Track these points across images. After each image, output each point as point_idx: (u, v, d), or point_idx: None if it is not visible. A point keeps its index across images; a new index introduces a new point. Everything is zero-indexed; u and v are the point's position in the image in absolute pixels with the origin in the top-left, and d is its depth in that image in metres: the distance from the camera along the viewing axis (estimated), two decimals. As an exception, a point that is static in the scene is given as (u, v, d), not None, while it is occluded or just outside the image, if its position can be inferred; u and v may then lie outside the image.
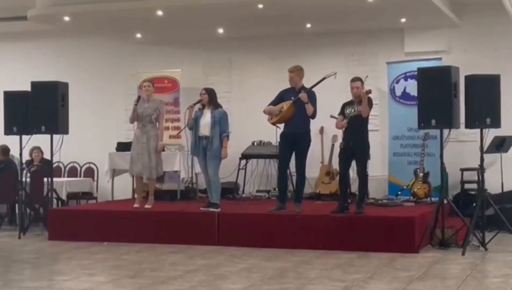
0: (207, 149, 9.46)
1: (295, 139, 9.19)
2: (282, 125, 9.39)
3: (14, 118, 10.41)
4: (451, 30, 11.71)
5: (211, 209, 9.35)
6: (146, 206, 9.89)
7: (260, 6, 10.32)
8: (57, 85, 10.27)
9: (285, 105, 9.20)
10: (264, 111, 9.44)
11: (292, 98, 9.18)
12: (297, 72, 9.34)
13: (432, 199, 10.47)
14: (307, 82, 9.33)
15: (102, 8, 10.68)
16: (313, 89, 9.21)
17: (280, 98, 9.36)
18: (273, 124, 9.41)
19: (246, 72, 12.95)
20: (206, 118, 9.54)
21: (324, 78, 9.19)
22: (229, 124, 9.71)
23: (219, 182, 9.62)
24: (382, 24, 11.69)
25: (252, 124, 11.87)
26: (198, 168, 10.81)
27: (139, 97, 10.03)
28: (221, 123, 9.51)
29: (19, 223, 10.34)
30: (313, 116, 9.20)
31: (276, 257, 8.21)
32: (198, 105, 9.71)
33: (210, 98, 9.64)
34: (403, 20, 11.37)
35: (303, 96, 9.04)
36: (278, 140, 9.52)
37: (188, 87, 12.65)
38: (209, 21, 11.48)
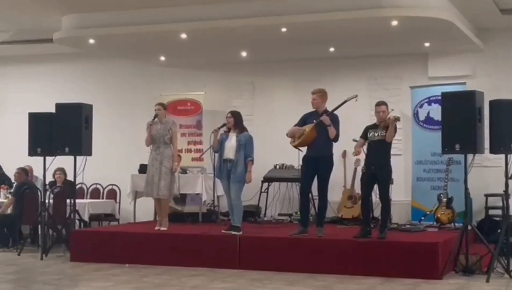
0: (231, 172, 9.44)
1: (318, 163, 9.15)
2: (304, 149, 9.36)
3: (39, 139, 10.47)
4: (475, 55, 11.65)
5: (233, 232, 9.32)
6: (162, 228, 9.88)
7: (284, 29, 10.36)
8: (81, 107, 10.34)
9: (308, 128, 9.19)
10: (287, 134, 9.42)
11: (314, 121, 9.16)
12: (320, 94, 9.32)
13: (456, 224, 10.36)
14: (329, 106, 9.32)
15: (126, 31, 10.80)
16: (336, 112, 9.18)
17: (303, 121, 9.35)
18: (295, 147, 9.39)
19: (269, 95, 12.97)
20: (232, 142, 9.50)
21: (345, 101, 9.17)
22: (254, 148, 9.63)
23: (241, 206, 9.58)
24: (406, 48, 11.67)
25: (275, 148, 11.86)
26: (220, 191, 10.81)
27: (155, 116, 10.07)
28: (246, 147, 9.44)
29: (42, 244, 10.37)
30: (336, 139, 9.16)
31: (297, 282, 8.14)
32: (224, 128, 9.70)
33: (236, 122, 9.60)
34: (427, 44, 11.34)
35: (325, 118, 9.01)
36: (301, 163, 9.50)
37: (211, 110, 12.70)
38: (232, 44, 11.54)
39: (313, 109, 9.37)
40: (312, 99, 9.31)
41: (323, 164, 9.16)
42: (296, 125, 9.37)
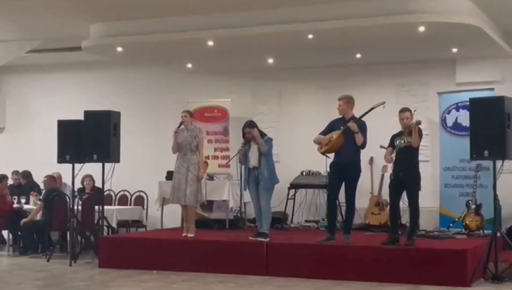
0: (259, 179, 9.47)
1: (345, 169, 9.13)
2: (332, 155, 9.35)
3: (67, 146, 10.56)
4: (503, 60, 11.56)
5: (260, 239, 9.32)
6: (189, 235, 9.91)
7: (310, 36, 10.36)
8: (110, 114, 10.42)
9: (335, 134, 9.17)
10: (314, 141, 9.41)
11: (342, 127, 9.14)
12: (346, 101, 9.31)
13: (485, 231, 10.27)
14: (357, 113, 9.29)
15: (153, 39, 10.88)
16: (364, 119, 9.16)
17: (331, 127, 9.33)
18: (323, 153, 9.38)
19: (295, 102, 12.97)
20: (254, 151, 9.57)
21: (372, 108, 9.14)
22: (272, 145, 9.67)
23: (270, 212, 9.59)
24: (433, 54, 11.60)
25: (301, 154, 11.86)
26: (247, 198, 10.84)
27: (181, 123, 10.12)
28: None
29: (70, 250, 10.46)
30: (363, 146, 9.13)
31: (324, 288, 8.12)
32: (242, 144, 9.72)
33: (259, 131, 9.63)
34: (454, 50, 11.27)
35: (352, 125, 8.99)
36: (328, 170, 9.47)
37: (238, 116, 12.71)
38: (259, 51, 11.56)
39: (340, 116, 9.35)
40: (338, 105, 9.31)
41: (350, 170, 9.14)
42: (323, 131, 9.36)
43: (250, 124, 9.69)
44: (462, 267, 8.24)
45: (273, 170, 9.58)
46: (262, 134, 9.63)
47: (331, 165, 9.32)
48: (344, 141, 9.09)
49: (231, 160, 11.18)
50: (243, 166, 9.73)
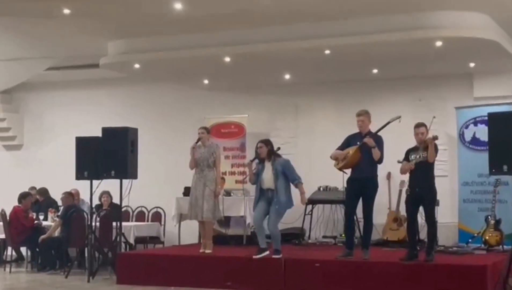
0: (272, 200, 9.25)
1: (362, 185, 9.09)
2: (349, 171, 9.32)
3: (85, 163, 10.59)
4: (521, 74, 11.51)
5: (274, 256, 9.11)
6: (206, 251, 9.90)
7: (327, 52, 10.38)
8: (127, 131, 10.46)
9: (351, 150, 9.14)
10: (330, 156, 9.39)
11: (358, 143, 9.12)
12: (367, 116, 9.27)
13: (504, 247, 10.18)
14: (373, 128, 9.28)
15: (171, 56, 10.94)
16: (380, 134, 9.13)
17: (347, 143, 9.31)
18: (340, 169, 9.35)
19: (312, 117, 12.97)
20: (268, 172, 9.33)
21: (388, 123, 9.11)
22: (295, 169, 9.46)
23: (279, 233, 9.36)
24: (451, 68, 11.58)
25: (318, 169, 11.83)
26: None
27: (198, 139, 10.14)
28: (286, 172, 9.29)
29: (88, 266, 10.48)
30: (380, 161, 9.09)
31: (343, 305, 8.08)
32: (256, 160, 9.53)
33: (269, 150, 9.40)
34: (472, 64, 11.24)
35: (368, 140, 8.96)
36: (345, 185, 9.44)
37: (255, 132, 12.74)
38: (275, 67, 11.59)
39: (357, 131, 9.33)
40: (360, 121, 9.23)
41: (367, 186, 9.10)
42: (340, 147, 9.33)
43: (264, 141, 9.52)
44: (482, 283, 8.16)
45: (290, 193, 9.36)
46: (276, 155, 9.46)
47: (348, 181, 9.29)
48: (361, 157, 9.06)
49: (247, 176, 11.16)
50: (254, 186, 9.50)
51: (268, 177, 9.31)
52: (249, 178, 9.59)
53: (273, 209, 9.23)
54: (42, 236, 11.49)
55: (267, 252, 9.22)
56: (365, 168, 9.07)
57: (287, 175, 9.27)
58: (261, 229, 9.35)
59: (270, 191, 9.29)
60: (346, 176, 9.36)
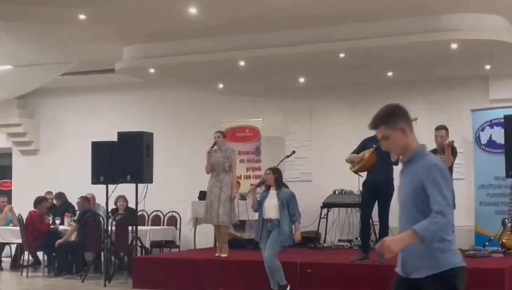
0: (273, 232, 8.65)
1: (378, 188, 9.06)
2: (364, 174, 9.29)
3: (101, 167, 10.66)
4: (537, 76, 11.44)
5: None
6: (222, 255, 9.90)
7: (342, 55, 10.36)
8: (143, 135, 10.49)
9: (367, 153, 9.11)
10: (346, 160, 9.37)
11: (374, 145, 9.09)
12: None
13: (522, 250, 10.11)
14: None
15: (186, 60, 10.97)
16: None
17: (363, 146, 9.28)
18: (355, 172, 9.32)
19: (327, 120, 12.95)
20: (273, 200, 8.76)
21: None
22: (297, 204, 8.86)
23: (279, 265, 8.69)
24: (466, 71, 11.53)
25: (333, 173, 11.81)
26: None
27: (214, 143, 10.14)
28: (289, 205, 8.69)
29: (105, 271, 10.53)
30: (397, 163, 9.05)
31: (359, 309, 8.05)
32: (262, 187, 9.11)
33: (276, 178, 8.85)
34: (487, 67, 11.19)
35: None
36: (360, 188, 9.41)
37: (269, 136, 12.75)
38: (290, 70, 11.59)
39: (372, 134, 9.28)
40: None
41: (383, 189, 9.06)
42: (355, 150, 9.31)
43: (272, 169, 8.99)
44: (500, 286, 8.11)
45: (292, 227, 8.74)
46: (281, 184, 8.95)
47: (364, 184, 9.27)
48: (377, 160, 9.04)
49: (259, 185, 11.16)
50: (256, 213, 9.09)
51: (270, 206, 8.75)
52: (252, 204, 9.11)
53: (276, 238, 8.62)
54: (59, 241, 11.55)
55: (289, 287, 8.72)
56: (381, 171, 9.04)
57: (289, 208, 8.69)
58: (271, 270, 8.78)
59: (270, 222, 8.71)
60: (362, 179, 9.33)
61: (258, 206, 8.91)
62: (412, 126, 4.13)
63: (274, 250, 8.67)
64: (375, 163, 9.04)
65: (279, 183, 8.86)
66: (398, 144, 4.07)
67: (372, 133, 9.44)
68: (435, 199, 3.77)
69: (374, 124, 4.16)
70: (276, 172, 8.93)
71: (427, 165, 3.90)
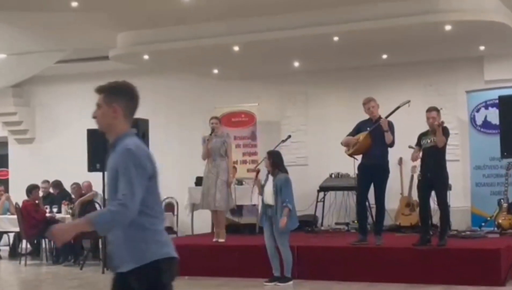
0: (273, 219, 8.65)
1: (373, 171, 9.09)
2: (359, 157, 9.32)
3: (97, 155, 10.62)
4: (532, 56, 11.44)
5: (280, 284, 8.61)
6: (220, 240, 9.93)
7: (336, 38, 10.35)
8: (138, 122, 10.43)
9: (362, 136, 9.14)
10: (341, 143, 9.40)
11: (368, 128, 9.11)
12: (374, 101, 9.26)
13: (518, 230, 10.17)
14: (384, 113, 9.26)
15: (179, 46, 10.94)
16: (392, 119, 9.12)
17: (358, 129, 9.31)
18: (350, 155, 9.35)
19: (322, 104, 12.95)
20: (269, 186, 8.73)
21: (398, 107, 9.12)
22: (292, 190, 8.72)
23: (290, 255, 8.70)
24: (461, 52, 11.52)
25: (330, 156, 11.83)
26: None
27: (213, 130, 10.14)
28: (282, 190, 8.57)
29: (103, 258, 10.55)
30: (392, 144, 9.09)
31: (357, 291, 8.12)
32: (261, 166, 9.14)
33: (273, 163, 8.76)
34: (482, 48, 11.19)
35: (384, 122, 8.95)
36: (356, 171, 9.44)
37: (265, 120, 12.75)
38: (284, 55, 11.57)
39: (367, 118, 9.32)
40: (371, 106, 9.16)
41: (379, 171, 9.11)
42: (350, 133, 9.34)
43: (270, 152, 8.95)
44: (496, 266, 8.18)
45: (293, 211, 8.65)
46: (277, 168, 8.77)
47: (359, 167, 9.30)
48: (372, 142, 9.06)
49: (259, 164, 11.18)
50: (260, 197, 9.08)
51: (268, 191, 8.74)
52: (258, 191, 9.08)
53: (275, 229, 8.61)
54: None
55: (285, 283, 8.64)
56: (376, 153, 9.08)
57: (282, 194, 8.55)
58: (273, 255, 8.77)
59: (269, 207, 8.69)
60: (357, 163, 9.36)
61: (262, 191, 8.87)
62: (130, 112, 3.94)
63: (282, 240, 8.62)
64: (370, 146, 9.07)
65: (275, 168, 8.75)
66: (104, 120, 3.90)
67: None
68: (120, 187, 3.54)
69: (98, 89, 3.97)
70: (272, 155, 8.84)
71: (121, 150, 3.68)
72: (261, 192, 8.94)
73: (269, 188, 8.72)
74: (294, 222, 8.66)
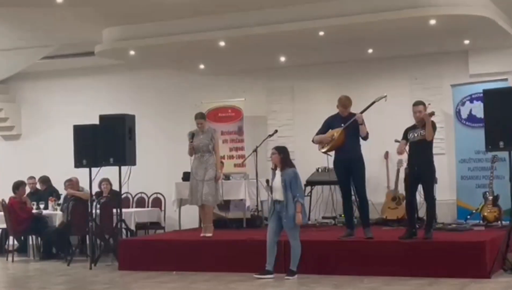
0: (281, 214, 8.65)
1: (350, 164, 9.17)
2: (332, 153, 9.36)
3: (84, 151, 10.65)
4: (516, 51, 11.51)
5: (290, 277, 8.59)
6: (207, 234, 9.94)
7: (321, 33, 10.38)
8: (124, 118, 10.49)
9: (336, 132, 9.20)
10: (313, 141, 9.43)
11: (342, 125, 9.15)
12: (348, 99, 9.29)
13: (503, 222, 10.25)
14: (358, 107, 9.29)
15: (165, 41, 10.94)
16: (373, 113, 9.13)
17: (327, 125, 9.36)
18: (325, 152, 9.40)
19: (309, 99, 12.98)
20: (277, 182, 8.72)
21: (373, 102, 9.18)
22: (301, 184, 8.87)
23: (300, 250, 8.69)
24: (446, 46, 11.59)
25: (316, 151, 11.77)
26: (263, 196, 10.84)
27: (192, 134, 10.13)
28: (292, 186, 8.60)
29: (90, 253, 10.55)
30: (367, 137, 9.15)
31: (344, 284, 8.15)
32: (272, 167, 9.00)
33: (282, 158, 8.77)
34: (466, 42, 11.25)
35: (359, 116, 9.02)
36: (332, 167, 9.48)
37: (252, 115, 12.77)
38: (270, 49, 11.59)
39: (336, 112, 9.36)
40: (347, 106, 9.22)
41: (356, 165, 9.19)
42: (320, 130, 9.39)
43: (278, 148, 8.89)
44: (481, 258, 8.24)
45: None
46: (286, 164, 8.80)
47: (335, 163, 9.35)
48: (345, 138, 9.12)
49: (246, 159, 11.21)
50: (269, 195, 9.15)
51: (276, 187, 8.73)
52: (269, 189, 9.12)
53: (285, 224, 8.63)
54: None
55: (271, 276, 8.68)
56: (351, 148, 9.16)
57: (292, 189, 8.60)
58: (271, 249, 8.76)
59: (278, 203, 8.69)
60: (331, 159, 9.40)
61: (269, 187, 8.90)
62: None
63: (293, 234, 8.66)
64: (344, 142, 9.12)
65: (284, 164, 8.76)
66: None
67: (335, 111, 9.49)
68: None
69: None
70: (282, 151, 8.84)
71: None
72: (269, 188, 8.96)
73: (277, 184, 8.72)
74: (305, 217, 8.81)
